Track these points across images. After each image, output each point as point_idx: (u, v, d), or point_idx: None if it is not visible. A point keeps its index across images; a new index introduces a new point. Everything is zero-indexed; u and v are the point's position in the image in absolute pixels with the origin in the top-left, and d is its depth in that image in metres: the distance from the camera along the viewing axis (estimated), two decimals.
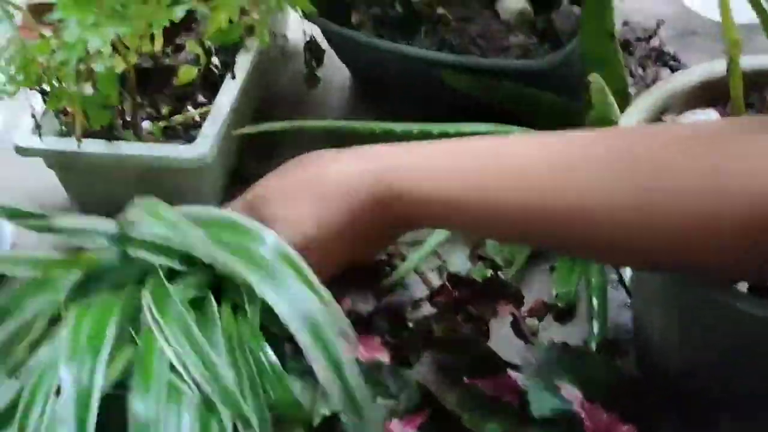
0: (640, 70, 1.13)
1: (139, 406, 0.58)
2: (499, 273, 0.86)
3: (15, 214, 0.72)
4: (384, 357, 0.76)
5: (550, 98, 1.02)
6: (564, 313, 0.94)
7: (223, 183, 1.06)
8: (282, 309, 0.61)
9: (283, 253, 0.66)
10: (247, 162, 1.11)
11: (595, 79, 0.80)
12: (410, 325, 0.79)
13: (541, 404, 0.66)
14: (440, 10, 1.11)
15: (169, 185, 0.97)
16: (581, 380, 0.66)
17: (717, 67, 0.80)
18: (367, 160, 0.68)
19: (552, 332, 0.92)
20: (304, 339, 0.61)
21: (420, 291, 0.93)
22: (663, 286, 0.75)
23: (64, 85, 0.80)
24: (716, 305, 0.66)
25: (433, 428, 0.73)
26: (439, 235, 0.87)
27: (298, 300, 0.62)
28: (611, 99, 0.83)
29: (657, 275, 0.75)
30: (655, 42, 1.18)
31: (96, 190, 1.00)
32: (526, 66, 1.05)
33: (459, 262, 0.84)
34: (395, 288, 0.91)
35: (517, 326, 0.81)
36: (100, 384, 0.59)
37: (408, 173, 0.66)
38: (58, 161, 0.97)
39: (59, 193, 1.04)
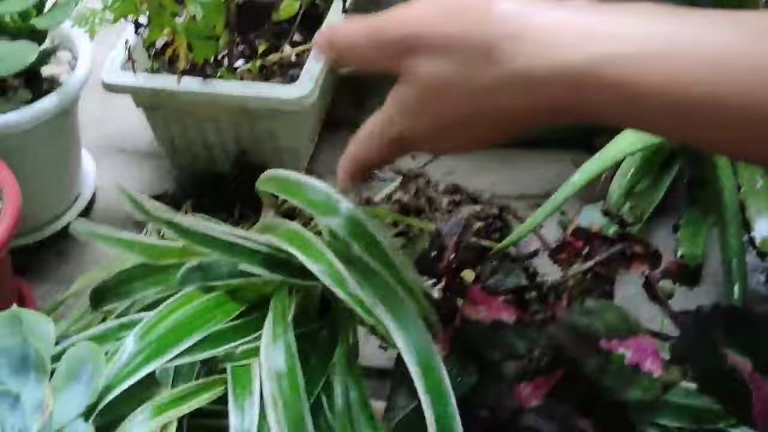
0: None
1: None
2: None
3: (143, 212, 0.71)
4: (508, 316, 0.69)
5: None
6: (690, 276, 0.86)
7: (316, 128, 1.00)
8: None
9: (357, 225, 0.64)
10: (340, 107, 1.04)
11: None
12: (536, 281, 0.72)
13: (703, 374, 0.58)
14: None
15: (263, 128, 0.91)
16: (753, 350, 0.58)
17: None
18: (572, 29, 0.48)
19: (679, 297, 0.85)
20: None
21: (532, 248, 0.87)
22: None
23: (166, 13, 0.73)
24: None
25: (565, 391, 0.67)
26: (566, 191, 0.79)
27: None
28: None
29: None
30: None
31: (185, 132, 0.93)
32: None
33: (588, 216, 0.76)
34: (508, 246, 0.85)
35: (650, 288, 0.74)
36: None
37: (632, 61, 0.47)
38: (147, 99, 0.91)
39: (145, 134, 0.98)
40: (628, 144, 0.82)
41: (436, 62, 0.50)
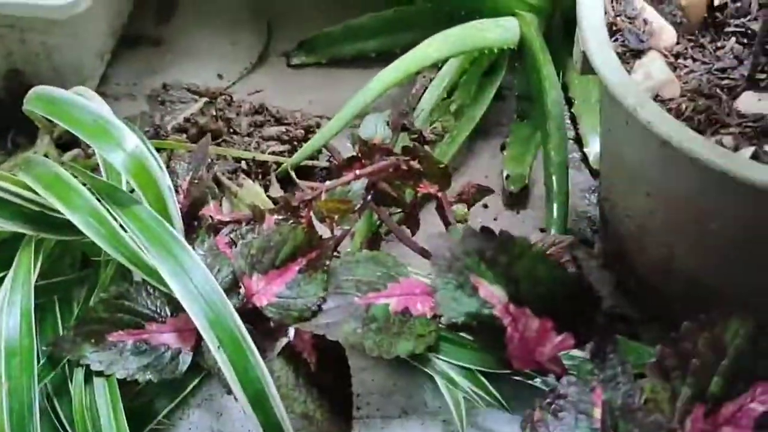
0: None
1: None
2: (427, 147, 0.69)
3: None
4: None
5: None
6: (516, 199, 0.78)
7: (109, 45, 0.88)
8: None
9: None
10: (142, 22, 0.92)
11: None
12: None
13: (451, 307, 0.49)
14: None
15: (35, 42, 0.79)
16: (510, 278, 0.49)
17: None
18: None
19: (503, 221, 0.77)
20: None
21: None
22: (652, 160, 0.58)
23: None
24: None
25: None
26: (358, 101, 0.70)
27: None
28: None
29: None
30: None
31: None
32: None
33: (370, 127, 0.66)
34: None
35: (442, 212, 0.65)
36: None
37: None
38: None
39: None
40: (433, 50, 0.73)
41: None
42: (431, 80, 0.79)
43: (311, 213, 0.60)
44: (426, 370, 0.57)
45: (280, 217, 0.60)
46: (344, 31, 0.88)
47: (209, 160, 0.77)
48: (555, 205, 0.71)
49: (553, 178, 0.72)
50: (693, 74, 0.58)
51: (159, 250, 0.54)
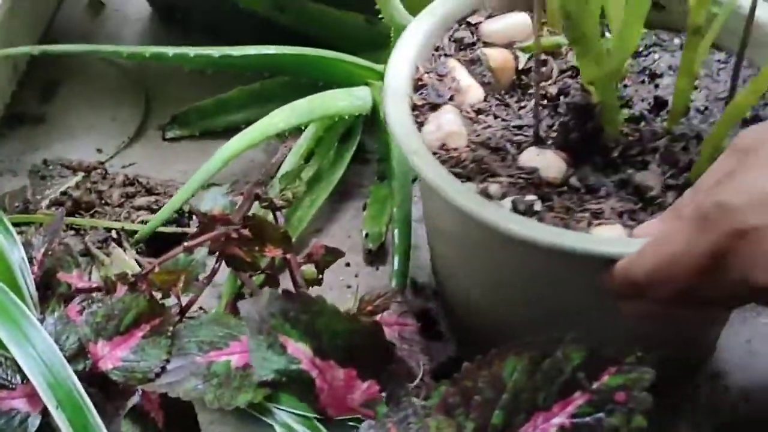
0: None
1: None
2: (277, 213, 0.73)
3: None
4: None
5: (353, 18, 0.91)
6: (375, 256, 0.83)
7: None
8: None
9: None
10: (25, 101, 0.97)
11: None
12: None
13: (263, 366, 0.54)
14: None
15: None
16: (313, 334, 0.54)
17: None
18: None
19: (364, 278, 0.81)
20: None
21: None
22: (435, 207, 0.64)
23: None
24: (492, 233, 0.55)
25: None
26: (201, 174, 0.75)
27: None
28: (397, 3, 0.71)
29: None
30: None
31: None
32: None
33: (212, 199, 0.70)
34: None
35: (291, 274, 0.70)
36: None
37: None
38: None
39: None
40: (279, 120, 0.78)
41: None
42: (290, 149, 0.84)
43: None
44: (267, 420, 0.61)
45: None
46: (215, 105, 0.93)
47: (81, 231, 0.82)
48: (396, 259, 0.77)
49: (395, 233, 0.78)
50: (489, 129, 0.63)
51: (4, 321, 0.58)
